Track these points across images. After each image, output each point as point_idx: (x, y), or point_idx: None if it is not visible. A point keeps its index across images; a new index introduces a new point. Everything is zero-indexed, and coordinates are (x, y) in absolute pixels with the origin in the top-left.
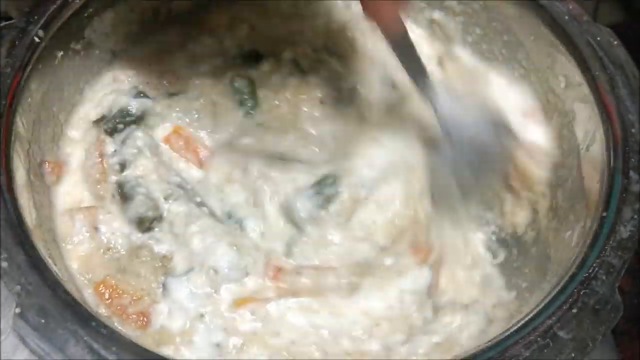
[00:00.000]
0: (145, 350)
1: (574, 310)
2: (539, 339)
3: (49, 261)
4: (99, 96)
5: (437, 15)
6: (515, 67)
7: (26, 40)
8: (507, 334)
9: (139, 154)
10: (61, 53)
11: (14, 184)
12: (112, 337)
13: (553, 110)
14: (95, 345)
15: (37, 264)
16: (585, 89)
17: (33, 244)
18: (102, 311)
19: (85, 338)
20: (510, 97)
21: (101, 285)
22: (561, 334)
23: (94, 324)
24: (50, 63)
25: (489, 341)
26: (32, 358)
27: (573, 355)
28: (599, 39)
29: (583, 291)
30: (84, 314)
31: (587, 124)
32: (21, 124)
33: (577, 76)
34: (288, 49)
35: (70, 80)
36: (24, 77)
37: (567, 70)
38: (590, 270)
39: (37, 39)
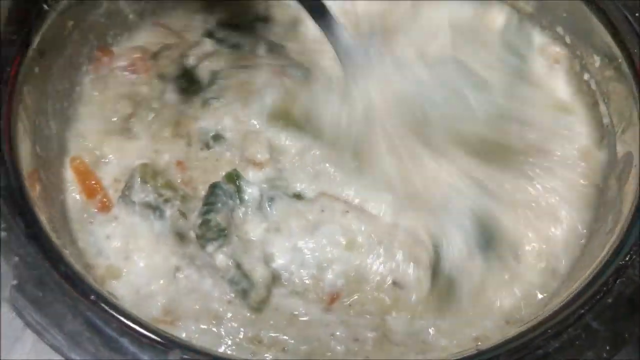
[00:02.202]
0: (147, 327)
1: (609, 300)
2: (569, 329)
3: (51, 233)
4: None
5: None
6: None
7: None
8: (534, 322)
9: None
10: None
11: (17, 153)
12: (113, 312)
13: (586, 91)
14: (95, 320)
15: (37, 235)
16: (622, 67)
17: (34, 215)
18: None
19: (84, 312)
20: None
21: None
22: (594, 324)
23: (93, 297)
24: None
25: (512, 332)
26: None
27: (608, 348)
28: (637, 14)
29: (619, 280)
30: (84, 287)
31: (624, 105)
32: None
33: (613, 54)
34: None
35: None
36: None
37: (602, 47)
38: (626, 258)
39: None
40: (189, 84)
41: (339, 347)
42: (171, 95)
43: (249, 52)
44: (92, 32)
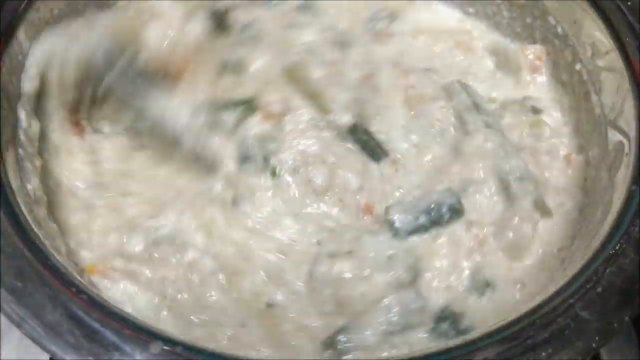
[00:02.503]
0: (128, 317)
1: (599, 290)
2: (558, 318)
3: (31, 222)
4: None
5: None
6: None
7: None
8: (522, 312)
9: None
10: None
11: None
12: (94, 303)
13: (577, 81)
14: (76, 311)
15: (16, 225)
16: (614, 57)
17: (13, 204)
18: None
19: (65, 303)
20: None
21: None
22: (584, 314)
23: (74, 289)
24: None
25: (503, 320)
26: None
27: (597, 338)
28: (629, 3)
29: (609, 269)
30: (64, 278)
31: (615, 95)
32: None
33: (605, 43)
34: None
35: None
36: None
37: (594, 37)
38: (617, 247)
39: None
40: None
41: None
42: None
43: None
44: None
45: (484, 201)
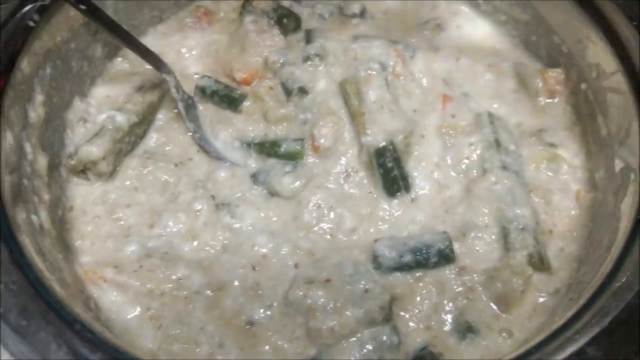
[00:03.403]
0: (133, 356)
1: (605, 324)
2: (564, 356)
3: (36, 258)
4: None
5: None
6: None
7: None
8: (526, 349)
9: None
10: None
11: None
12: (98, 341)
13: (583, 102)
14: (80, 349)
15: (21, 262)
16: (620, 78)
17: (19, 241)
18: None
19: (68, 342)
20: None
21: None
22: (590, 350)
23: (78, 327)
24: None
25: (506, 356)
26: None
27: None
28: (635, 23)
29: (615, 303)
30: (68, 316)
31: (621, 117)
32: None
33: (610, 64)
34: None
35: None
36: None
37: (599, 57)
38: (623, 279)
39: None
40: None
41: None
42: None
43: None
44: None
45: (482, 247)
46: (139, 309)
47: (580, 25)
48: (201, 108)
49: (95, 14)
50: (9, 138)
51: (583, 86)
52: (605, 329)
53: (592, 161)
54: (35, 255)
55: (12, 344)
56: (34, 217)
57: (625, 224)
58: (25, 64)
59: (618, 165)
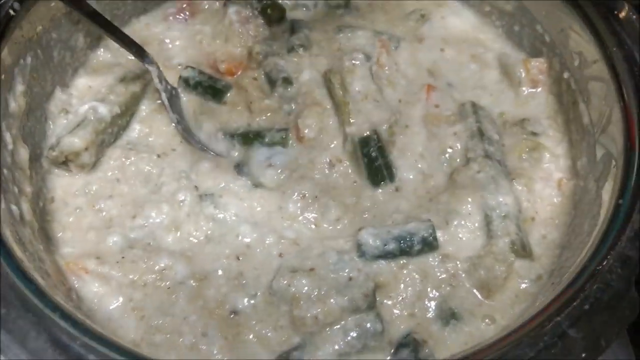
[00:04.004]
0: (114, 344)
1: (586, 307)
2: (545, 337)
3: (15, 247)
4: None
5: None
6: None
7: None
8: (508, 331)
9: None
10: None
11: None
12: (78, 328)
13: (565, 91)
14: (60, 337)
15: (1, 248)
16: (601, 67)
17: None
18: None
19: (49, 329)
20: None
21: None
22: (571, 332)
23: (59, 313)
24: None
25: (489, 340)
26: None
27: (584, 355)
28: (615, 12)
29: (596, 286)
30: (49, 303)
31: (602, 104)
32: None
33: (592, 52)
34: None
35: None
36: None
37: (581, 46)
38: (603, 263)
39: None
40: None
41: None
42: None
43: None
44: None
45: (465, 235)
46: (121, 300)
47: (563, 15)
48: (185, 99)
49: (77, 4)
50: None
51: (565, 75)
52: (586, 311)
53: (574, 149)
54: (14, 245)
55: None
56: (13, 207)
57: (606, 210)
58: (5, 53)
59: (599, 152)
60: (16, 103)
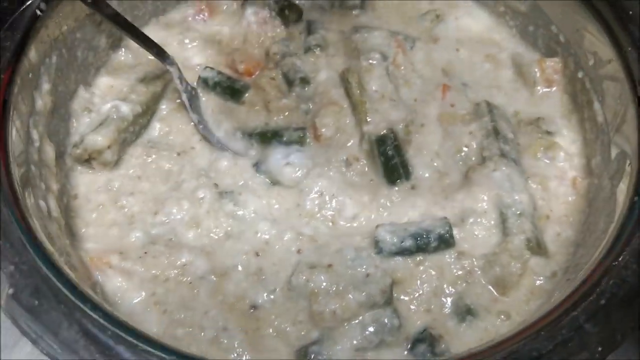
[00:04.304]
0: (141, 334)
1: (602, 302)
2: (562, 331)
3: (46, 240)
4: None
5: None
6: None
7: None
8: (526, 325)
9: None
10: None
11: (9, 160)
12: (108, 319)
13: (580, 90)
14: (91, 328)
15: (32, 243)
16: (615, 66)
17: (29, 223)
18: None
19: (80, 320)
20: None
21: None
22: (587, 326)
23: (89, 305)
24: None
25: (506, 334)
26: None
27: (600, 349)
28: (631, 12)
29: (612, 281)
30: (80, 295)
31: (617, 104)
32: None
33: (606, 52)
34: None
35: None
36: None
37: (596, 46)
38: (619, 258)
39: None
40: None
41: None
42: None
43: None
44: None
45: (480, 233)
46: (144, 294)
47: (577, 15)
48: (204, 99)
49: (99, 5)
50: (17, 124)
51: (580, 75)
52: (602, 306)
53: (588, 148)
54: (45, 238)
55: (24, 323)
56: (41, 203)
57: (621, 207)
58: (32, 52)
59: (614, 151)
60: (42, 101)
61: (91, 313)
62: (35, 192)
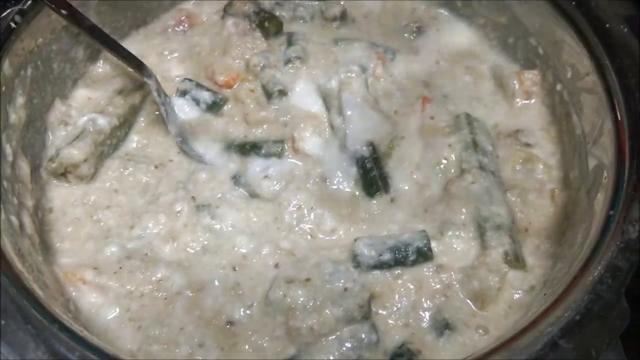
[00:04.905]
0: (110, 355)
1: (577, 318)
2: (536, 348)
3: (15, 259)
4: None
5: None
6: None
7: None
8: (502, 341)
9: None
10: None
11: None
12: (76, 340)
13: (558, 103)
14: (58, 348)
15: (0, 261)
16: (593, 79)
17: None
18: None
19: (47, 340)
20: None
21: None
22: (562, 343)
23: (56, 326)
24: None
25: (482, 350)
26: None
27: None
28: (607, 25)
29: (587, 296)
30: (46, 316)
31: (594, 116)
32: None
33: (584, 65)
34: None
35: None
36: None
37: (574, 59)
38: (594, 274)
39: None
40: None
41: None
42: None
43: None
44: None
45: (459, 246)
46: (118, 310)
47: (556, 28)
48: (183, 111)
49: (76, 18)
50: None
51: (558, 87)
52: (577, 322)
53: (566, 160)
54: (14, 257)
55: None
56: (13, 219)
57: (597, 220)
58: (6, 65)
59: (591, 163)
60: (16, 115)
61: (59, 333)
62: (6, 207)
